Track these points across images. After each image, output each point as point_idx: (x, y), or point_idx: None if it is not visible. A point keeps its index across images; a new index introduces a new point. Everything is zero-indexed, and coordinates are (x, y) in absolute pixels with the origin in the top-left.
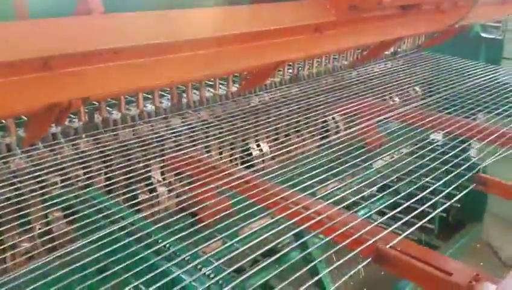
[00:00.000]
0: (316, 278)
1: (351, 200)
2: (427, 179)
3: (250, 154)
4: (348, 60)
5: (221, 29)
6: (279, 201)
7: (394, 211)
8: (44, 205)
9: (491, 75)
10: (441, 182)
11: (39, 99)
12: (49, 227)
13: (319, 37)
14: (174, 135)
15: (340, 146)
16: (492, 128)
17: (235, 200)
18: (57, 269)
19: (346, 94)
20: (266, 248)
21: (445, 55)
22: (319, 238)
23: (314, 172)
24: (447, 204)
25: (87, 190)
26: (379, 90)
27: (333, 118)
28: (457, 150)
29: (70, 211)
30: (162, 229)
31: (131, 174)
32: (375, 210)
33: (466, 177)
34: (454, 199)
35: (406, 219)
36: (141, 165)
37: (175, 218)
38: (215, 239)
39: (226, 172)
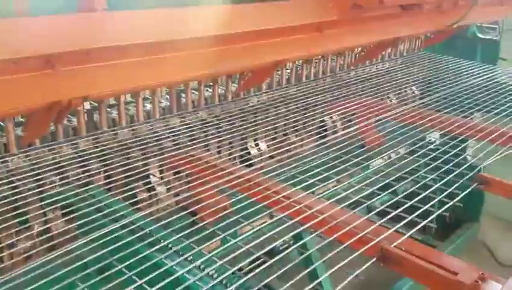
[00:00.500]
0: (317, 281)
1: (352, 199)
2: (428, 178)
3: (249, 153)
4: (346, 60)
5: (222, 28)
6: (280, 200)
7: (397, 211)
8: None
9: (489, 75)
10: (443, 181)
11: (41, 97)
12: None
13: (320, 36)
14: (172, 134)
15: (338, 146)
16: (492, 128)
17: (236, 198)
18: (57, 268)
19: (344, 94)
20: (268, 247)
21: (443, 55)
22: (322, 237)
23: (314, 171)
24: (450, 203)
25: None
26: (377, 90)
27: (331, 118)
28: (458, 149)
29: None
30: (163, 228)
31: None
32: (378, 210)
33: (467, 176)
34: (457, 199)
35: (409, 218)
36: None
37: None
38: (217, 238)
39: (227, 170)
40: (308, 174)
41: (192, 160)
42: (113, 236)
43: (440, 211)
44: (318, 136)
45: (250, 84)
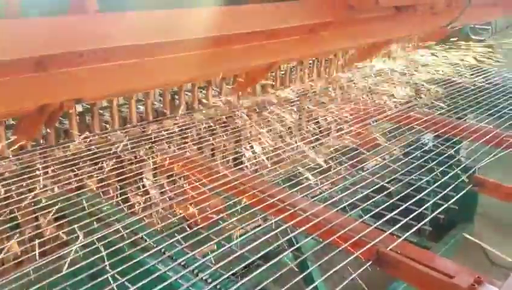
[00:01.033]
0: (313, 285)
1: (348, 202)
2: (423, 181)
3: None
4: (341, 61)
5: (216, 30)
6: (275, 203)
7: (392, 214)
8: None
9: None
10: (437, 183)
11: (32, 99)
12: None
13: (314, 38)
14: (166, 136)
15: (333, 148)
16: (486, 129)
17: (230, 202)
18: (48, 274)
19: (339, 96)
20: (264, 252)
21: None
22: (317, 241)
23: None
24: (445, 206)
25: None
26: (372, 91)
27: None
28: (452, 150)
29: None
30: (156, 233)
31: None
32: (373, 213)
33: (462, 178)
34: (452, 201)
35: (404, 221)
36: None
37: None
38: (211, 242)
39: (221, 173)
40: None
41: (186, 163)
42: (105, 241)
43: (435, 213)
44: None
45: (244, 86)
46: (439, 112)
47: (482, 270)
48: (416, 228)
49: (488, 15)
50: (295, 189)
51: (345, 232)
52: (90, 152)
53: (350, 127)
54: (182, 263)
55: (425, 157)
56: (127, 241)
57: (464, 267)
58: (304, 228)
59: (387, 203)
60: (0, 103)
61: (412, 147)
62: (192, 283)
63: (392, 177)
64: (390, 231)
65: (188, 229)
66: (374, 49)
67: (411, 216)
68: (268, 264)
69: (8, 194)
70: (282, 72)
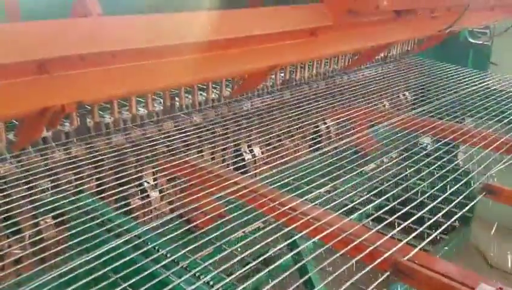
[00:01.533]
0: None
1: (360, 211)
2: (435, 188)
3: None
4: (340, 64)
5: (216, 33)
6: (286, 211)
7: (407, 222)
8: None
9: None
10: (450, 191)
11: (34, 102)
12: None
13: (314, 41)
14: (167, 139)
15: (333, 152)
16: (494, 136)
17: (233, 205)
18: (50, 281)
19: (338, 100)
20: (279, 262)
21: (434, 60)
22: (333, 251)
23: (315, 179)
24: (459, 214)
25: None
26: (370, 95)
27: (325, 124)
28: (462, 157)
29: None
30: (158, 236)
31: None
32: (387, 222)
33: (475, 185)
34: (466, 209)
35: (420, 230)
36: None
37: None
38: (213, 246)
39: (223, 177)
40: (309, 182)
41: (187, 166)
42: (106, 245)
43: (450, 221)
44: (313, 141)
45: (244, 88)
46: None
47: (481, 274)
48: (432, 237)
49: (487, 19)
50: (308, 196)
51: (360, 242)
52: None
53: (352, 130)
54: (184, 267)
55: (436, 165)
56: (130, 246)
57: (483, 276)
58: (318, 238)
59: (402, 212)
60: (3, 106)
61: (422, 154)
62: (196, 287)
63: (405, 185)
64: (406, 241)
65: (189, 232)
66: (372, 52)
67: (426, 225)
68: (285, 274)
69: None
70: (282, 75)
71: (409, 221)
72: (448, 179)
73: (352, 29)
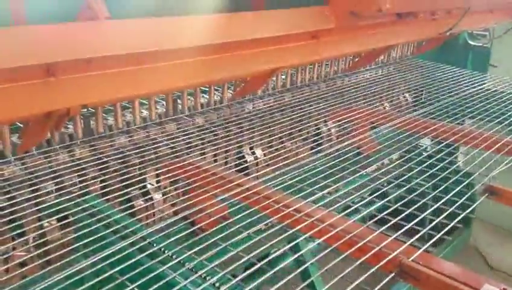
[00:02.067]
0: None
1: (364, 212)
2: (438, 190)
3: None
4: (340, 66)
5: (218, 37)
6: (290, 213)
7: (411, 224)
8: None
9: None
10: (453, 192)
11: (41, 105)
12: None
13: (316, 44)
14: (170, 140)
15: (336, 154)
16: (496, 137)
17: (236, 207)
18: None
19: (339, 101)
20: (284, 264)
21: (434, 62)
22: (337, 252)
23: (318, 181)
24: (462, 215)
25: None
26: (371, 96)
27: (327, 125)
28: (463, 159)
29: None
30: (164, 238)
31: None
32: (391, 223)
33: (477, 187)
34: (469, 210)
35: (424, 231)
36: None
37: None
38: (218, 248)
39: (226, 179)
40: (311, 184)
41: (190, 168)
42: (113, 247)
43: (453, 223)
44: (315, 143)
45: (245, 91)
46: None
47: (481, 274)
48: (436, 238)
49: (486, 21)
50: (312, 198)
51: (365, 244)
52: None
53: (353, 131)
54: (190, 268)
55: (438, 167)
56: (135, 248)
57: (490, 279)
58: (322, 239)
59: (407, 213)
60: (11, 109)
61: (423, 156)
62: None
63: (408, 187)
64: (410, 242)
65: (194, 234)
66: (373, 55)
67: (431, 225)
68: (290, 277)
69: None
70: (284, 77)
71: (413, 222)
72: (451, 181)
73: (354, 32)
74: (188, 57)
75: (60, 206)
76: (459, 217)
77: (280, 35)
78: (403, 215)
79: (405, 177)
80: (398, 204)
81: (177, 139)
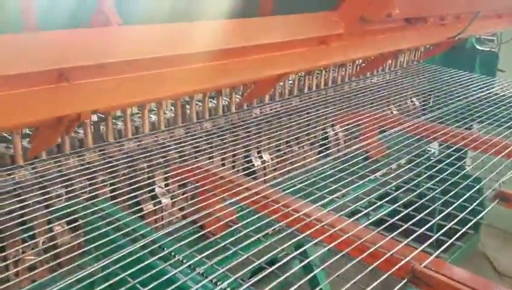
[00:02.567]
0: None
1: (375, 217)
2: (449, 195)
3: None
4: (348, 71)
5: (227, 42)
6: (300, 217)
7: (422, 229)
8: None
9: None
10: (463, 198)
11: (53, 110)
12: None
13: (324, 49)
14: (179, 145)
15: (344, 158)
16: (506, 142)
17: (253, 215)
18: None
19: (346, 106)
20: (294, 270)
21: (442, 66)
22: (349, 258)
23: (324, 184)
24: (474, 221)
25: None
26: (379, 101)
27: (334, 129)
28: (473, 164)
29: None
30: (174, 241)
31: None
32: (402, 228)
33: (488, 192)
34: (480, 216)
35: (435, 237)
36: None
37: (187, 230)
38: (228, 252)
39: (235, 183)
40: (320, 188)
41: (199, 172)
42: (123, 250)
43: (464, 229)
44: (322, 147)
45: (253, 96)
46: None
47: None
48: (448, 243)
49: (495, 26)
50: (321, 202)
51: (376, 249)
52: None
53: (361, 136)
54: (201, 272)
55: (447, 172)
56: (146, 251)
57: (498, 284)
58: (333, 245)
59: (418, 219)
60: (23, 113)
61: (433, 161)
62: None
63: (418, 192)
64: (423, 247)
65: (204, 238)
66: (381, 59)
67: (442, 231)
68: (300, 282)
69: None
70: (291, 82)
71: (424, 228)
72: (461, 186)
73: (363, 37)
74: (197, 62)
75: (70, 209)
76: (471, 223)
77: (288, 41)
78: (414, 220)
79: (414, 182)
80: (409, 209)
81: (185, 144)
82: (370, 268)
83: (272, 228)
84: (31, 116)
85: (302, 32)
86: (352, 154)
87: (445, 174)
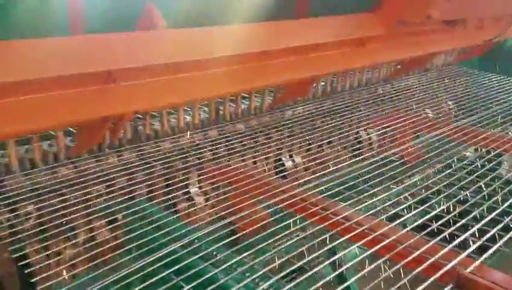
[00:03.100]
0: None
1: (418, 222)
2: (492, 200)
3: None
4: (382, 73)
5: (265, 44)
6: (340, 221)
7: (466, 234)
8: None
9: None
10: (508, 202)
11: (101, 110)
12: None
13: (361, 51)
14: (212, 145)
15: (381, 162)
16: None
17: (292, 217)
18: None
19: (380, 108)
20: (336, 273)
21: (478, 69)
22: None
23: (360, 187)
24: None
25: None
26: (413, 104)
27: (368, 133)
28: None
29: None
30: (214, 241)
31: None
32: (446, 233)
33: None
34: None
35: (481, 241)
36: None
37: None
38: (269, 253)
39: (271, 185)
40: (358, 192)
41: (234, 173)
42: (165, 249)
43: (509, 235)
44: (358, 151)
45: (286, 97)
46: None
47: None
48: (492, 250)
49: None
50: (360, 206)
51: (420, 254)
52: None
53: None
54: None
55: (490, 176)
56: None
57: None
58: (374, 249)
59: (462, 223)
60: (73, 113)
61: (473, 165)
62: None
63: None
64: (467, 252)
65: (239, 239)
66: (416, 61)
67: (486, 237)
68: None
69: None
70: (323, 83)
71: (468, 233)
72: (504, 191)
73: (401, 39)
74: (237, 64)
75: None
76: None
77: (325, 42)
78: (458, 225)
79: (454, 187)
80: (451, 215)
81: (219, 145)
82: (414, 273)
83: (310, 232)
84: (79, 115)
85: (339, 34)
86: (388, 159)
87: (486, 179)
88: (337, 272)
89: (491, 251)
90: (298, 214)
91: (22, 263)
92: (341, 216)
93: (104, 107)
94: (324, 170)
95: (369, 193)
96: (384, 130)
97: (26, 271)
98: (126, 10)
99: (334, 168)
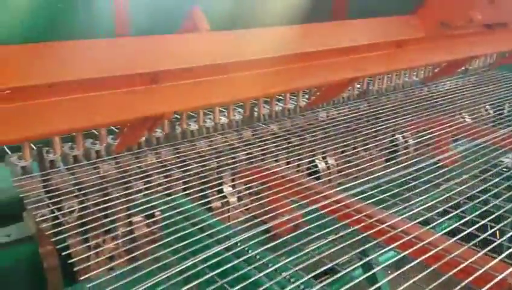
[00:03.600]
0: None
1: (466, 232)
2: None
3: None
4: (419, 76)
5: (304, 46)
6: (386, 229)
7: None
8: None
9: None
10: None
11: (143, 110)
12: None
13: (399, 53)
14: (247, 146)
15: (419, 166)
16: None
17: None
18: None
19: (417, 112)
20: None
21: None
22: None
23: (395, 191)
24: None
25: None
26: (451, 108)
27: (404, 137)
28: None
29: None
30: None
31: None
32: (495, 244)
33: None
34: None
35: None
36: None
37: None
38: (302, 252)
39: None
40: (394, 196)
41: (268, 173)
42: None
43: None
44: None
45: (322, 99)
46: None
47: None
48: None
49: None
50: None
51: (468, 265)
52: None
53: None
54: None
55: None
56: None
57: None
58: (421, 259)
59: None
60: (117, 113)
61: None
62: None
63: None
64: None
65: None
66: (455, 65)
67: None
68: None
69: None
70: (359, 86)
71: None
72: None
73: (441, 42)
74: (276, 65)
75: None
76: None
77: (363, 44)
78: (508, 236)
79: (491, 192)
80: (499, 225)
81: (253, 146)
82: (463, 284)
83: (345, 232)
84: (123, 115)
85: (377, 36)
86: (425, 163)
87: None
88: (368, 274)
89: None
90: (331, 215)
91: (64, 253)
92: (375, 219)
93: (146, 107)
94: (358, 172)
95: (404, 196)
96: (420, 134)
97: (69, 261)
98: (170, 14)
99: (369, 170)
